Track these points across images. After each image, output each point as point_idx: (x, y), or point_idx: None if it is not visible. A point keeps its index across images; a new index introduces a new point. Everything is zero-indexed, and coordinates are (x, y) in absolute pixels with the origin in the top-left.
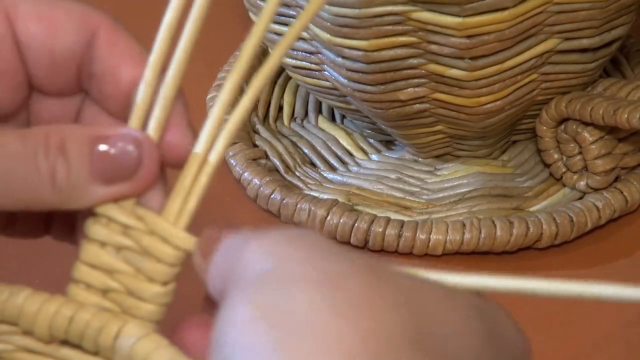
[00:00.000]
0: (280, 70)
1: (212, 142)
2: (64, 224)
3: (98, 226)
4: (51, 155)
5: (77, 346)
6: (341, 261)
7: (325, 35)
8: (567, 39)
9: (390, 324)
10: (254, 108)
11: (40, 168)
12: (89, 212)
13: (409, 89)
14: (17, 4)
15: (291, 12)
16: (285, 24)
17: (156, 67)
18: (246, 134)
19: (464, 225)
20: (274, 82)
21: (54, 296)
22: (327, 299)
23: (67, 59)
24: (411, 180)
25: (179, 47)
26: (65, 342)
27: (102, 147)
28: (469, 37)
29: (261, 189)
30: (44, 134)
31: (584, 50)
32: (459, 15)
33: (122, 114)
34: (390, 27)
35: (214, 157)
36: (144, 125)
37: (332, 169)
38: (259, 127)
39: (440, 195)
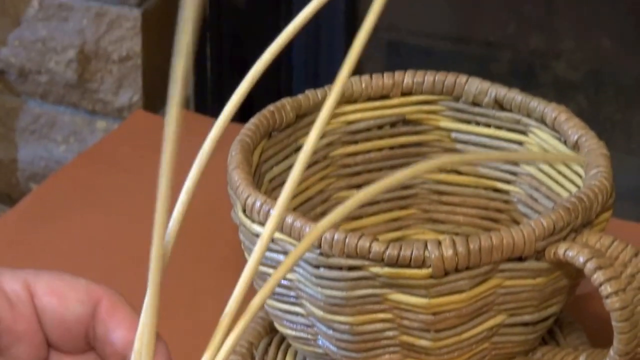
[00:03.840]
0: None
1: None
2: None
3: None
4: None
5: None
6: None
7: (319, 313)
8: (512, 315)
9: None
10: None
11: None
12: None
13: (386, 356)
14: (36, 281)
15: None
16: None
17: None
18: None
19: None
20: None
21: None
22: None
23: (76, 324)
24: None
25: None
26: None
27: None
28: (434, 314)
29: None
30: None
31: (526, 324)
32: (425, 297)
33: None
34: (370, 306)
35: None
36: None
37: None
38: None
39: None
